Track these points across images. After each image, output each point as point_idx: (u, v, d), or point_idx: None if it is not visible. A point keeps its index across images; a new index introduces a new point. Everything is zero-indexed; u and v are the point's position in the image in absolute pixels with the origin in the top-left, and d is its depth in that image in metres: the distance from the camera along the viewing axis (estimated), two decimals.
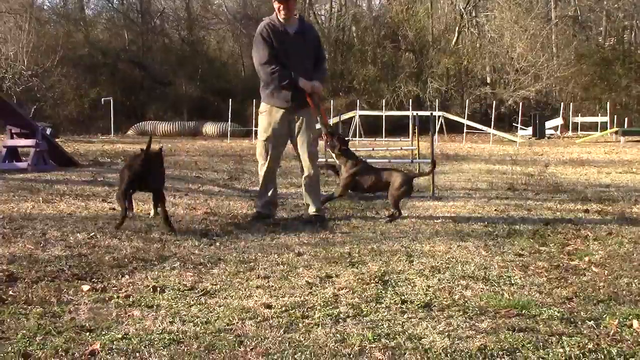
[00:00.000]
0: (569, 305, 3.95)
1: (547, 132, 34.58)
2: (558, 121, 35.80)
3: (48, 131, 13.59)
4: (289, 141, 7.23)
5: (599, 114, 37.62)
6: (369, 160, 7.70)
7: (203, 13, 45.47)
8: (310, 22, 7.10)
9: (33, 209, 7.46)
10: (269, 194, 7.14)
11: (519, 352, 3.15)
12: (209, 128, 34.51)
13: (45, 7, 44.78)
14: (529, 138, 32.38)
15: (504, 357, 3.08)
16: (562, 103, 37.38)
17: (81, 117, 36.81)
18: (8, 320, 3.54)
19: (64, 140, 22.41)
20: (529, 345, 3.24)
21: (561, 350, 3.18)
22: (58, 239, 5.82)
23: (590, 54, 43.53)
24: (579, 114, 38.28)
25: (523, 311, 3.80)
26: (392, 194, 7.08)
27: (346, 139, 7.44)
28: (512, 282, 4.51)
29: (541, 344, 3.27)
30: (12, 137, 12.47)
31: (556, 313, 3.77)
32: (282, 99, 6.95)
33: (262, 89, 7.09)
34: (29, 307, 3.79)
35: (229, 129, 31.17)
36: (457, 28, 44.22)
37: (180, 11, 45.80)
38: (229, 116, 30.95)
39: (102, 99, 33.60)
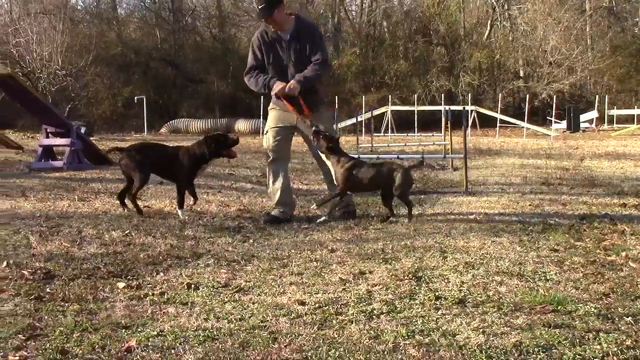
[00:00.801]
0: (605, 301, 3.90)
1: (582, 125, 34.18)
2: (593, 114, 35.37)
3: (82, 130, 13.72)
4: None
5: (635, 106, 37.10)
6: (402, 157, 7.61)
7: (234, 10, 45.59)
8: (309, 19, 6.71)
9: (69, 207, 7.55)
10: (284, 196, 7.00)
11: (555, 349, 3.12)
12: (241, 125, 34.66)
13: (78, 7, 45.31)
14: (564, 132, 32.04)
15: (539, 354, 3.05)
16: (597, 96, 36.93)
17: (115, 116, 37.20)
18: (46, 317, 3.59)
19: (98, 138, 22.65)
20: (565, 341, 3.20)
21: (598, 347, 3.14)
22: (94, 237, 5.88)
23: (626, 46, 42.97)
24: (615, 107, 37.76)
25: (559, 307, 3.75)
26: (398, 188, 6.74)
27: (335, 137, 7.12)
28: (548, 277, 4.46)
29: (578, 340, 3.23)
30: (47, 137, 12.63)
31: (593, 309, 3.73)
32: (281, 105, 7.00)
33: None
34: (66, 305, 3.85)
35: (261, 125, 31.24)
36: (489, 21, 43.92)
37: (211, 9, 46.04)
38: (261, 113, 31.04)
39: (135, 98, 33.95)
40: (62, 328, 3.40)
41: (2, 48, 34.36)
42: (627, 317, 3.58)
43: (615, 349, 3.10)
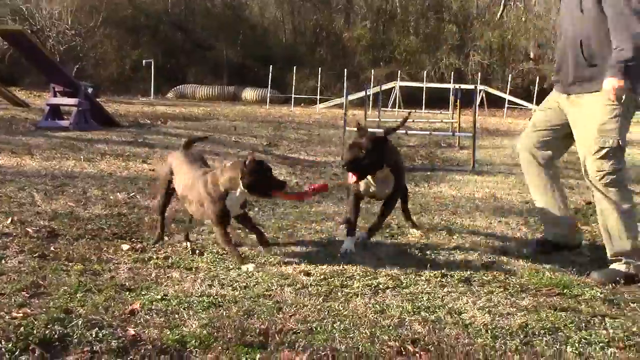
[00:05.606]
0: (611, 287, 3.88)
1: None
2: None
3: (90, 90, 13.69)
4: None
5: None
6: (410, 132, 7.46)
7: None
8: None
9: (74, 167, 7.53)
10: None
11: (560, 332, 3.10)
12: (248, 93, 34.53)
13: None
14: None
15: (545, 336, 3.03)
16: None
17: (122, 78, 37.00)
18: (50, 275, 3.58)
19: (105, 100, 22.54)
20: (571, 325, 3.18)
21: (604, 332, 3.12)
22: (99, 197, 5.87)
23: None
24: None
25: (565, 290, 3.73)
26: None
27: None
28: (554, 260, 4.43)
29: (584, 324, 3.21)
30: (55, 95, 12.59)
31: (598, 294, 3.71)
32: None
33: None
34: (70, 264, 3.83)
35: (268, 95, 31.15)
36: (502, 1, 43.50)
37: None
38: (269, 82, 30.91)
39: (143, 61, 33.74)
40: (65, 287, 3.39)
41: (12, 4, 34.16)
42: (633, 303, 3.56)
43: (622, 335, 3.08)
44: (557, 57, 4.43)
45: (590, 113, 4.10)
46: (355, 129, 4.74)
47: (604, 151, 4.05)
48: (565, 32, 4.28)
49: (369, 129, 5.02)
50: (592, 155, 4.09)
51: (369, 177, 4.45)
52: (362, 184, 4.52)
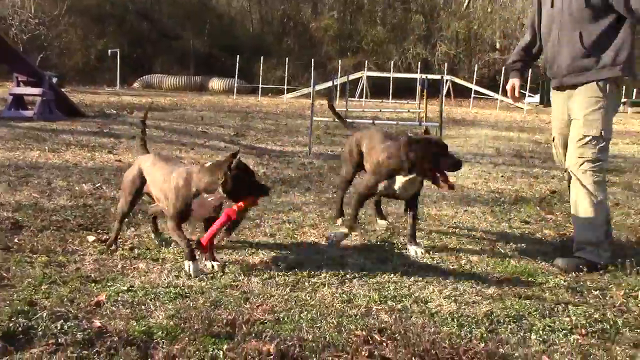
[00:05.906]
0: (575, 275, 3.93)
1: None
2: None
3: (54, 80, 13.53)
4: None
5: None
6: (377, 122, 7.48)
7: None
8: None
9: (39, 157, 7.44)
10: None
11: (525, 320, 3.14)
12: (216, 83, 34.39)
13: None
14: (536, 105, 32.17)
15: (510, 324, 3.07)
16: None
17: (87, 68, 36.60)
18: (14, 268, 3.53)
19: (70, 90, 22.28)
20: (535, 313, 3.22)
21: (567, 319, 3.17)
22: (64, 188, 5.80)
23: None
24: None
25: (529, 279, 3.78)
26: None
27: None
28: (519, 249, 4.49)
29: (547, 312, 3.25)
30: (18, 85, 12.41)
31: (562, 282, 3.76)
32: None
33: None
34: (34, 256, 3.79)
35: (235, 85, 31.02)
36: None
37: None
38: (236, 72, 30.78)
39: (109, 50, 33.38)
40: (30, 279, 3.35)
41: None
42: (595, 291, 3.62)
43: (584, 322, 3.13)
44: (549, 52, 4.44)
45: (579, 103, 4.20)
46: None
47: (586, 139, 4.15)
48: (561, 24, 4.27)
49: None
50: (576, 142, 4.20)
51: (397, 177, 4.33)
52: (383, 184, 4.37)
